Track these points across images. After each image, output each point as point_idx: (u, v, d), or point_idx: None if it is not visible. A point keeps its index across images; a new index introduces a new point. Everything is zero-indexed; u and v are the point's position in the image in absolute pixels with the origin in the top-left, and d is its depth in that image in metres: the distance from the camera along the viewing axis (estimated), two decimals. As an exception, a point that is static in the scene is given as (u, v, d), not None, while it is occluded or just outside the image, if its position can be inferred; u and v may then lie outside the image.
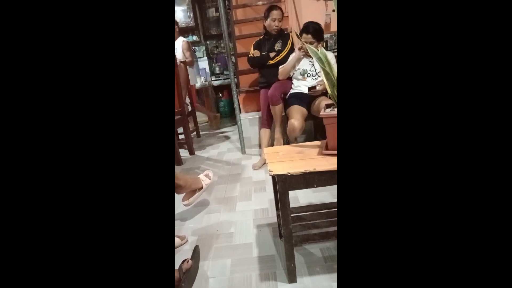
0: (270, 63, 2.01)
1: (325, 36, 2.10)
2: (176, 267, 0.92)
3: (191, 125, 2.82)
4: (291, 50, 2.01)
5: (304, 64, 1.84)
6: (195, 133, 2.97)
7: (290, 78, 1.93)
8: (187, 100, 2.64)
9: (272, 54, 2.02)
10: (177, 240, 1.15)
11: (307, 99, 1.80)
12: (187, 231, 1.26)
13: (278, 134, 1.92)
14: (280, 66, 1.88)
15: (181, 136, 2.66)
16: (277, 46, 2.04)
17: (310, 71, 1.82)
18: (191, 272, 0.94)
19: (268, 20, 2.01)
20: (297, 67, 1.85)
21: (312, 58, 1.81)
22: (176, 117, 2.18)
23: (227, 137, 2.83)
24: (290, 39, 2.06)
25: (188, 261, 0.94)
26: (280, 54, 2.00)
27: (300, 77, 1.86)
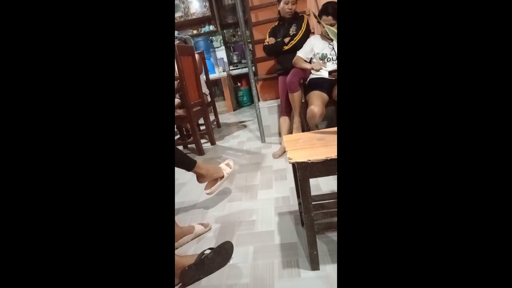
0: (285, 48, 1.95)
1: (346, 16, 1.99)
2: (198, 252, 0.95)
3: (211, 116, 2.85)
4: (306, 33, 1.93)
5: (324, 48, 1.77)
6: (215, 123, 3.00)
7: (309, 63, 1.87)
8: (206, 91, 2.66)
9: (286, 40, 1.95)
10: (201, 228, 1.19)
11: (327, 84, 1.74)
12: (210, 218, 1.30)
13: (297, 124, 1.87)
14: (298, 52, 1.82)
15: (202, 127, 2.70)
16: (292, 30, 1.97)
17: (330, 55, 1.75)
18: (206, 263, 0.92)
19: (282, 3, 1.93)
20: (316, 52, 1.78)
21: (332, 41, 1.74)
22: (196, 108, 2.21)
23: (246, 126, 2.84)
24: (305, 21, 1.97)
25: (210, 251, 0.94)
26: (295, 38, 1.93)
27: (320, 62, 1.79)
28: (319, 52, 1.78)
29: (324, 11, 1.65)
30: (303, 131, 1.91)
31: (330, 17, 1.62)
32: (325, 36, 1.74)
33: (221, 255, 0.98)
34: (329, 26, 0.88)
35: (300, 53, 1.81)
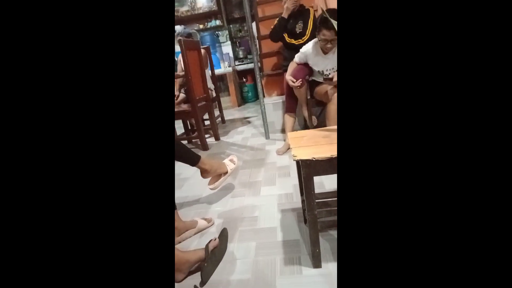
0: (293, 42, 1.95)
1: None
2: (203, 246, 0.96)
3: (215, 111, 2.85)
4: (314, 30, 1.91)
5: (324, 64, 1.73)
6: (220, 119, 3.00)
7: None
8: (212, 86, 2.66)
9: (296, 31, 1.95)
10: (204, 223, 1.20)
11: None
12: (213, 214, 1.30)
13: (306, 112, 1.93)
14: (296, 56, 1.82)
15: (207, 122, 2.70)
16: (298, 27, 1.95)
17: (327, 71, 1.73)
18: (216, 253, 0.96)
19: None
20: (316, 70, 1.76)
21: (328, 54, 1.69)
22: (201, 103, 2.21)
23: (251, 122, 2.83)
24: (311, 16, 1.95)
25: (215, 239, 0.97)
26: (303, 38, 1.92)
27: (320, 78, 1.80)
28: (318, 70, 1.74)
29: (324, 24, 1.45)
30: (310, 119, 1.94)
31: (331, 32, 1.45)
32: (321, 49, 1.63)
33: (222, 242, 1.02)
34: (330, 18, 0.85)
35: (296, 59, 1.80)
